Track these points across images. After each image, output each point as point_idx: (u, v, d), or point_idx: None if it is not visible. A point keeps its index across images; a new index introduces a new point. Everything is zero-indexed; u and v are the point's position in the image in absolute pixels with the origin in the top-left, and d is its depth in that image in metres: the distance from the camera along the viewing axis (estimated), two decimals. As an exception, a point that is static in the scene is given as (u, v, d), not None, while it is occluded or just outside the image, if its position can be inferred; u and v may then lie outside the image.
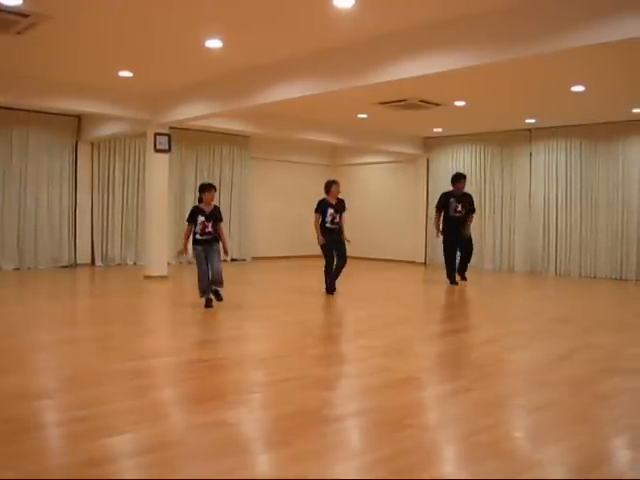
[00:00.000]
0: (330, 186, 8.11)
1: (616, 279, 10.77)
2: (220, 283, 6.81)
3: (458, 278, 9.62)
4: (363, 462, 2.74)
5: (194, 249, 6.80)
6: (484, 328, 6.32)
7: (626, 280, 10.63)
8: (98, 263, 11.56)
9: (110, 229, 11.73)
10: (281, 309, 7.17)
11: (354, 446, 3.02)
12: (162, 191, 9.85)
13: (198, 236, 6.75)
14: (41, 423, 3.20)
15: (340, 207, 8.11)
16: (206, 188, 6.85)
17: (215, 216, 6.84)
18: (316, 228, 8.05)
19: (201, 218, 6.75)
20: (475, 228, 9.70)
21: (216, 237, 6.83)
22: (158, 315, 7.14)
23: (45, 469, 2.59)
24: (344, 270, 8.25)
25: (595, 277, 11.06)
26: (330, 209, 8.03)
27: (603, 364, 4.67)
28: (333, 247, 8.06)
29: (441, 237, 9.69)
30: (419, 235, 13.68)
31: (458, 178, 9.71)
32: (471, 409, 3.52)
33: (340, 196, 8.24)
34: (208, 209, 6.83)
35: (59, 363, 4.54)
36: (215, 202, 6.98)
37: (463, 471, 2.72)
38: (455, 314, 7.55)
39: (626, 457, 2.95)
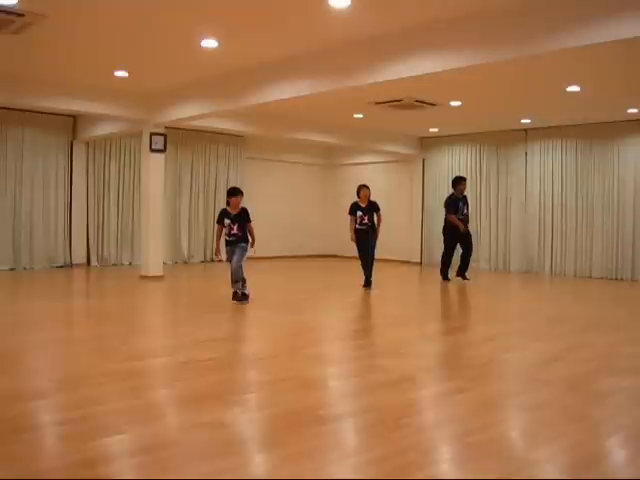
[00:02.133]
0: (359, 190, 8.92)
1: (611, 279, 10.80)
2: (238, 281, 7.17)
3: (452, 276, 9.90)
4: (358, 462, 2.74)
5: (225, 250, 7.24)
6: (480, 328, 6.33)
7: (621, 280, 10.66)
8: (94, 263, 11.54)
9: (106, 229, 11.71)
10: (276, 309, 7.16)
11: (349, 446, 3.02)
12: (158, 191, 9.83)
13: (226, 237, 7.17)
14: (36, 424, 3.19)
15: (371, 208, 8.85)
16: (233, 193, 7.23)
17: (242, 218, 7.16)
18: (350, 228, 8.90)
19: (227, 221, 7.14)
20: (470, 228, 9.76)
21: (244, 238, 7.15)
22: (153, 315, 7.13)
23: (40, 470, 2.58)
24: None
25: (590, 277, 11.09)
26: (359, 211, 8.82)
27: (598, 363, 4.68)
28: (361, 245, 8.87)
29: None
30: (415, 235, 13.70)
31: (460, 181, 10.01)
32: (466, 409, 3.52)
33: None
34: (234, 212, 7.14)
35: (54, 363, 4.52)
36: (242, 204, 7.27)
37: (458, 471, 2.72)
38: (451, 314, 7.56)
39: (621, 456, 2.96)
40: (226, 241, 7.18)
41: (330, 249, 15.15)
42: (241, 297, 7.17)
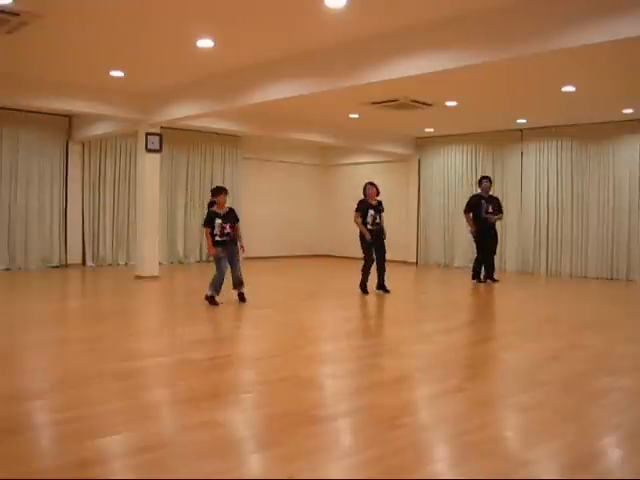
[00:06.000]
0: (365, 188, 8.45)
1: (606, 279, 10.82)
2: (242, 285, 7.24)
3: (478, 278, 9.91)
4: (355, 462, 2.74)
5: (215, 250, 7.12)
6: (476, 328, 6.34)
7: (616, 280, 10.68)
8: (89, 263, 11.50)
9: (101, 229, 11.68)
10: (273, 309, 7.15)
11: (346, 446, 3.02)
12: (153, 191, 9.81)
13: (218, 238, 7.05)
14: (32, 424, 3.19)
15: (380, 208, 8.44)
16: (218, 192, 7.16)
17: (232, 218, 7.16)
18: (358, 224, 8.28)
19: (218, 221, 7.05)
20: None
21: (234, 238, 7.15)
22: (149, 315, 7.11)
23: (36, 470, 2.57)
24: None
25: (586, 277, 11.11)
26: (370, 210, 8.31)
27: (593, 364, 4.69)
28: (374, 246, 8.35)
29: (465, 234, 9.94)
30: (411, 235, 13.69)
31: (481, 179, 10.15)
32: (462, 408, 3.53)
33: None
34: (223, 211, 7.12)
35: (50, 364, 4.51)
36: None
37: (454, 470, 2.72)
38: (447, 314, 7.56)
39: (616, 456, 2.97)
40: (216, 242, 7.04)
41: (326, 249, 15.16)
42: (242, 298, 7.23)
